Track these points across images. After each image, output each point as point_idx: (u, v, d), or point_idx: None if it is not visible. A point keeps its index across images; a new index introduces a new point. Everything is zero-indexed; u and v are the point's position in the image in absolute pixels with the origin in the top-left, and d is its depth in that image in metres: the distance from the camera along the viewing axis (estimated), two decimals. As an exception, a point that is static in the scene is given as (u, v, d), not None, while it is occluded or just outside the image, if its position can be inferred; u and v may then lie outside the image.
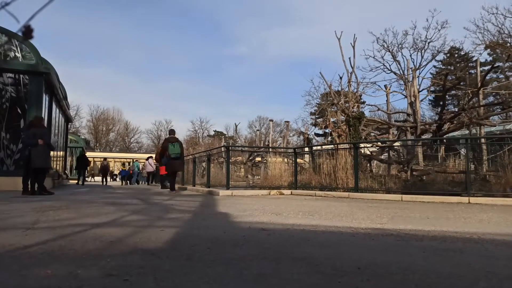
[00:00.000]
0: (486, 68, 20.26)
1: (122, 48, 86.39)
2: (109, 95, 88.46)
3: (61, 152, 17.16)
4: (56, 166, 15.02)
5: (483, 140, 10.85)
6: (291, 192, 10.43)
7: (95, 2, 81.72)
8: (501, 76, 27.29)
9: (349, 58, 13.67)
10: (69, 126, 21.19)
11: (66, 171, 19.70)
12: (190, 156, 15.89)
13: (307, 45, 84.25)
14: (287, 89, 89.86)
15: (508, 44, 14.84)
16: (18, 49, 10.63)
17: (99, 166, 26.05)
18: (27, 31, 0.97)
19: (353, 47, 13.50)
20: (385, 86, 15.99)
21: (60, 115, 15.64)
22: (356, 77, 13.99)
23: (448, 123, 12.16)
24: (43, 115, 11.14)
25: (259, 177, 16.20)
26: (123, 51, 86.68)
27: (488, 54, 32.64)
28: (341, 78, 14.14)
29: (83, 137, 46.60)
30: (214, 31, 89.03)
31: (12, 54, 10.62)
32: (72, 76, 72.67)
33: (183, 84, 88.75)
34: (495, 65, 18.62)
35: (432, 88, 21.29)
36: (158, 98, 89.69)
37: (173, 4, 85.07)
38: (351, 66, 13.59)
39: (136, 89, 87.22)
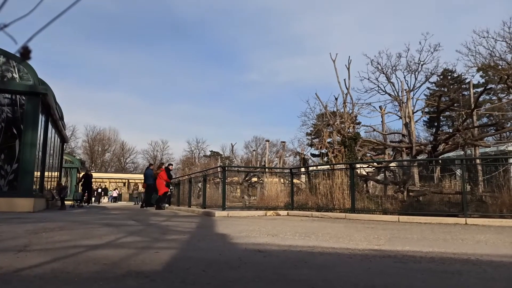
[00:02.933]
0: (479, 89, 20.59)
1: (127, 71, 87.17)
2: (107, 115, 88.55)
3: (56, 173, 17.01)
4: (50, 187, 14.86)
5: (478, 161, 10.90)
6: (288, 213, 10.34)
7: (100, 31, 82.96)
8: (494, 97, 27.75)
9: (344, 79, 13.88)
10: (64, 146, 21.09)
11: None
12: (186, 176, 15.81)
13: (311, 72, 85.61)
14: (285, 111, 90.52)
15: (500, 67, 15.16)
16: (16, 69, 10.69)
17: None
18: (25, 52, 0.98)
19: (348, 69, 13.74)
20: (380, 107, 16.17)
21: (56, 135, 15.59)
22: (351, 98, 14.17)
23: (443, 143, 12.26)
24: (38, 136, 11.12)
25: (256, 197, 16.10)
26: (128, 75, 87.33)
27: (481, 76, 33.30)
28: (336, 99, 14.28)
29: (78, 157, 46.35)
30: (229, 60, 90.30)
31: (9, 75, 10.67)
32: (73, 97, 73.03)
33: (185, 106, 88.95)
34: (488, 87, 18.94)
35: (426, 109, 21.55)
36: (157, 118, 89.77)
37: (189, 35, 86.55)
38: (346, 87, 13.79)
39: (135, 109, 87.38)
